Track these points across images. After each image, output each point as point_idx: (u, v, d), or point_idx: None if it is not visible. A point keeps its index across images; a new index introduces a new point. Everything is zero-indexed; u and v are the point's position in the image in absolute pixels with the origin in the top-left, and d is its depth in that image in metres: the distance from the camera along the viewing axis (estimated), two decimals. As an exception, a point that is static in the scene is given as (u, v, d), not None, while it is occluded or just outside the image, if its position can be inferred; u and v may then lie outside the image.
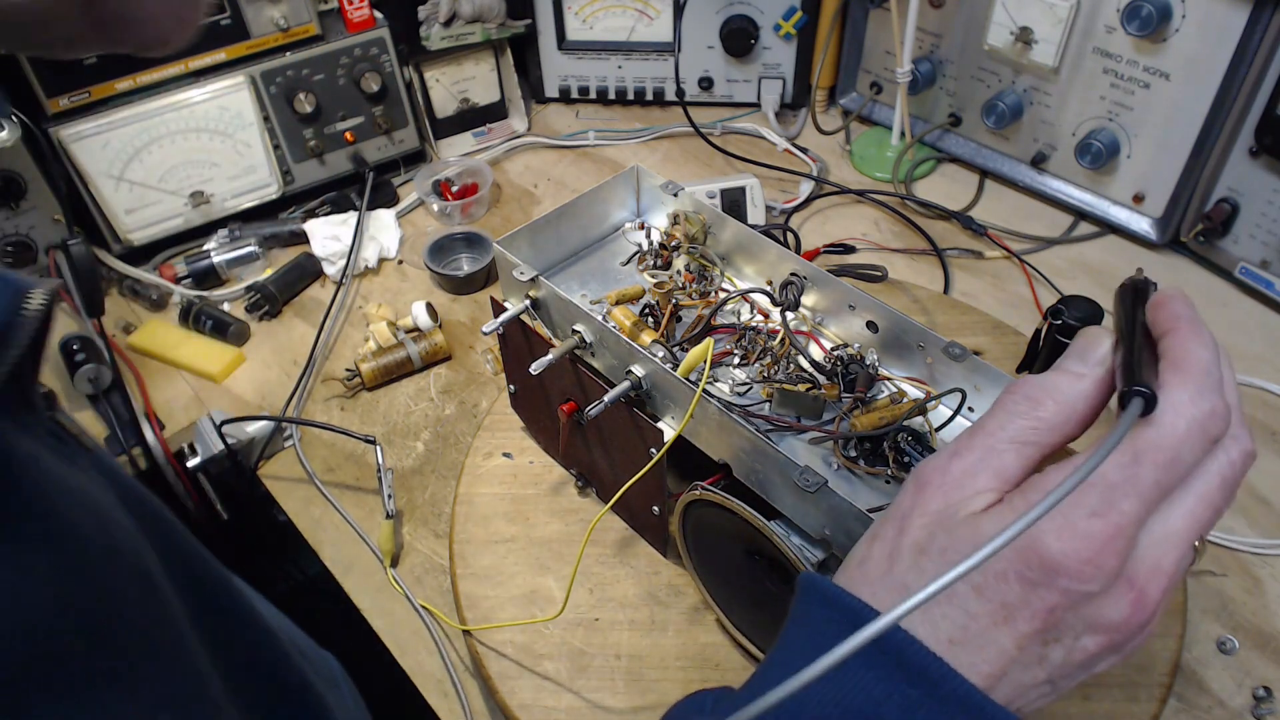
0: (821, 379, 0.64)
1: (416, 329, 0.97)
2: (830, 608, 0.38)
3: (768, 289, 0.71)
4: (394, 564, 0.79)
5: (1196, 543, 0.36)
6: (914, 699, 0.34)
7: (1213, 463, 0.36)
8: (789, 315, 0.68)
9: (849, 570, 0.41)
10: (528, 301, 0.69)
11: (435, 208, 1.13)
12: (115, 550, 0.31)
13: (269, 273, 1.05)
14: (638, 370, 0.63)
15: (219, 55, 1.02)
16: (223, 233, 1.08)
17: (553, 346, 0.67)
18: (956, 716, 0.34)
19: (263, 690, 0.38)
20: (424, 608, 0.76)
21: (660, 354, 0.63)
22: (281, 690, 0.40)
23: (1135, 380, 0.34)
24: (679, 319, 0.70)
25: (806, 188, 1.13)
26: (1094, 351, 0.38)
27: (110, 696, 0.28)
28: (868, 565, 0.39)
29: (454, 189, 1.13)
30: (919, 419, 0.60)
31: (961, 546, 0.36)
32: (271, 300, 1.02)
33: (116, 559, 0.31)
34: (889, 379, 0.65)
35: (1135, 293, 0.40)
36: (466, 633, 0.72)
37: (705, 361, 0.60)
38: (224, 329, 0.99)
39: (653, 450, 0.64)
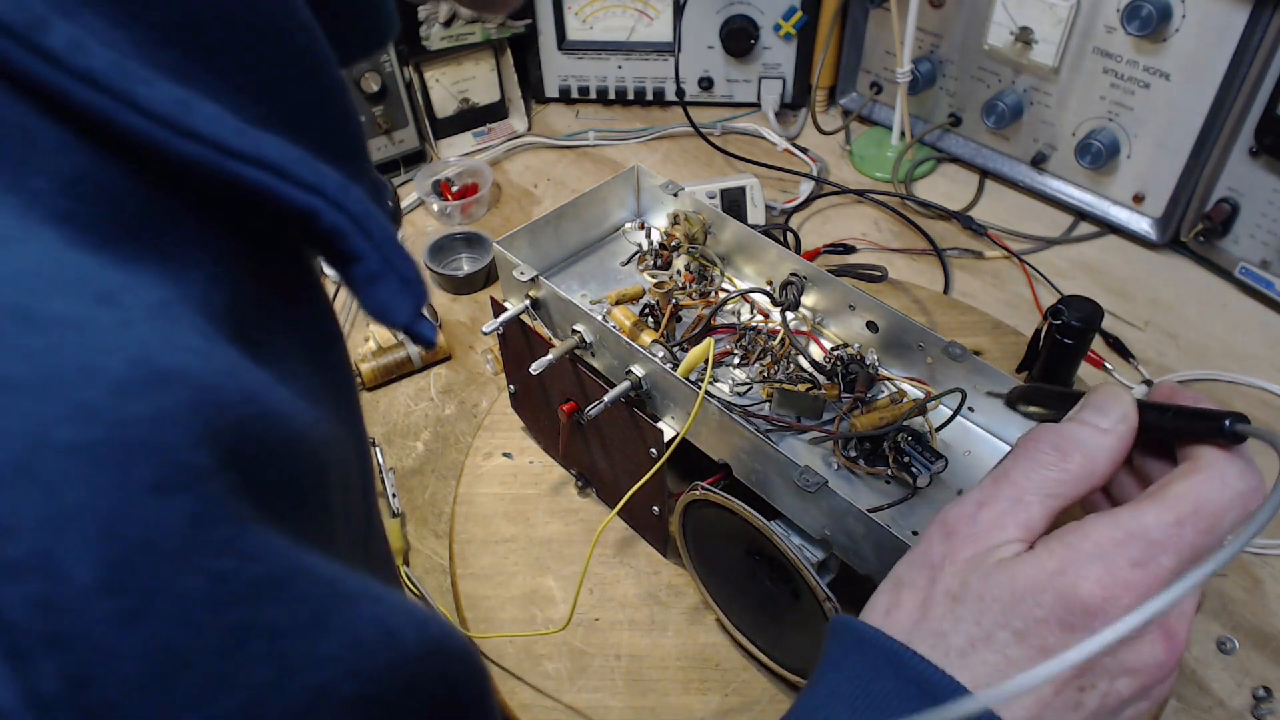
0: (821, 379, 0.64)
1: (416, 329, 0.97)
2: (870, 657, 0.38)
3: (768, 289, 0.71)
4: (405, 562, 0.79)
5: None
6: None
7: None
8: (789, 315, 0.68)
9: (875, 616, 0.40)
10: (528, 301, 0.69)
11: (435, 208, 1.13)
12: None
13: (269, 273, 1.05)
14: (638, 370, 0.63)
15: (219, 55, 1.02)
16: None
17: (553, 346, 0.67)
18: None
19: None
20: (438, 611, 0.76)
21: (660, 354, 0.63)
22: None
23: (1228, 415, 0.37)
24: (679, 319, 0.70)
25: (806, 188, 1.13)
26: (1116, 407, 0.39)
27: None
28: (898, 613, 0.39)
29: (454, 189, 1.13)
30: (919, 419, 0.60)
31: (1002, 596, 0.36)
32: (271, 300, 1.02)
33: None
34: (889, 379, 0.65)
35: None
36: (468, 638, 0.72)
37: (706, 362, 0.60)
38: (224, 329, 0.99)
39: (653, 451, 0.64)
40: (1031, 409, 0.52)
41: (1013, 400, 0.54)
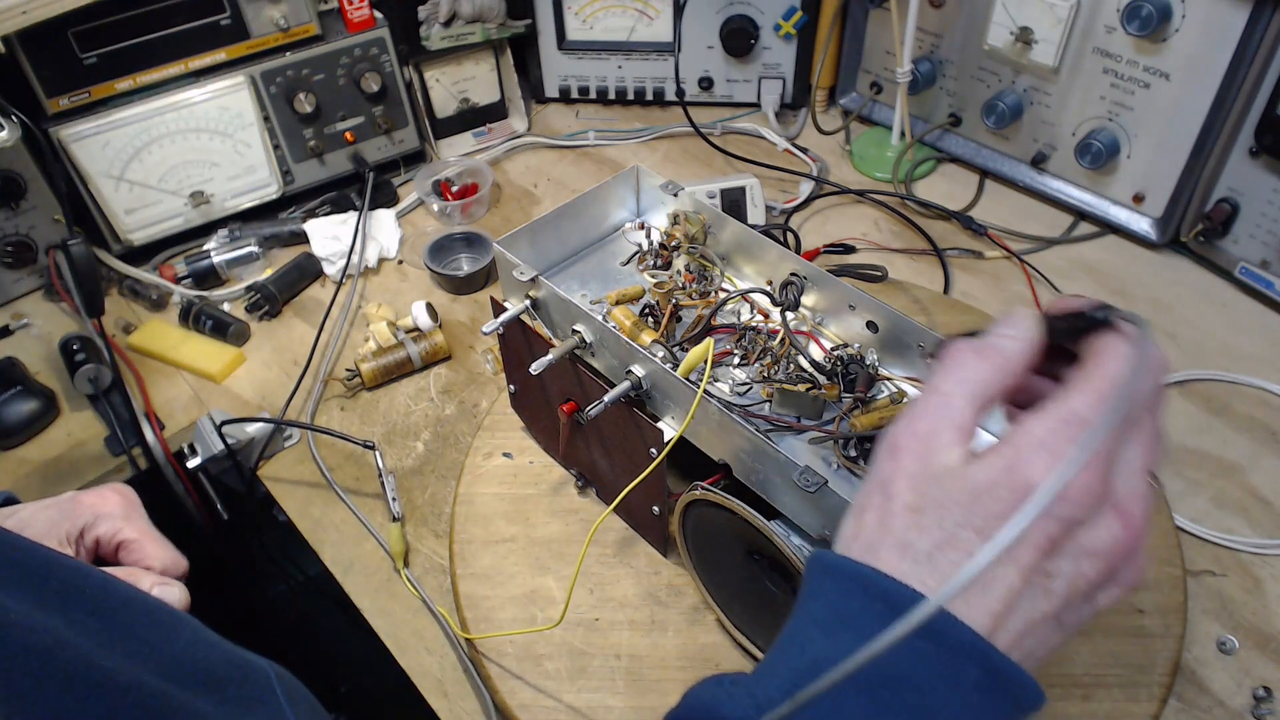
0: (821, 379, 0.64)
1: (416, 329, 0.97)
2: (841, 580, 0.40)
3: (768, 289, 0.71)
4: (405, 564, 0.79)
5: (1158, 484, 0.40)
6: (923, 651, 0.37)
7: (1155, 403, 0.41)
8: (789, 315, 0.68)
9: (841, 544, 0.43)
10: (528, 301, 0.69)
11: (435, 208, 1.13)
12: None
13: (269, 273, 1.05)
14: (638, 370, 0.63)
15: (219, 55, 1.02)
16: (223, 233, 1.08)
17: (553, 346, 0.67)
18: (966, 666, 0.37)
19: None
20: (439, 612, 0.76)
21: (660, 354, 0.63)
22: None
23: (1097, 308, 0.41)
24: (679, 319, 0.70)
25: (806, 188, 1.13)
26: (1023, 320, 0.43)
27: None
28: (861, 534, 0.41)
29: (454, 189, 1.13)
30: (919, 419, 0.60)
31: (960, 498, 0.38)
32: (271, 300, 1.02)
33: None
34: (889, 379, 0.65)
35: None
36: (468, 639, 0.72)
37: (706, 362, 0.60)
38: (224, 329, 0.99)
39: (653, 450, 0.64)
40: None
41: (934, 353, 0.56)
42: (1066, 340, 0.42)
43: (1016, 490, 0.37)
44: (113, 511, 0.56)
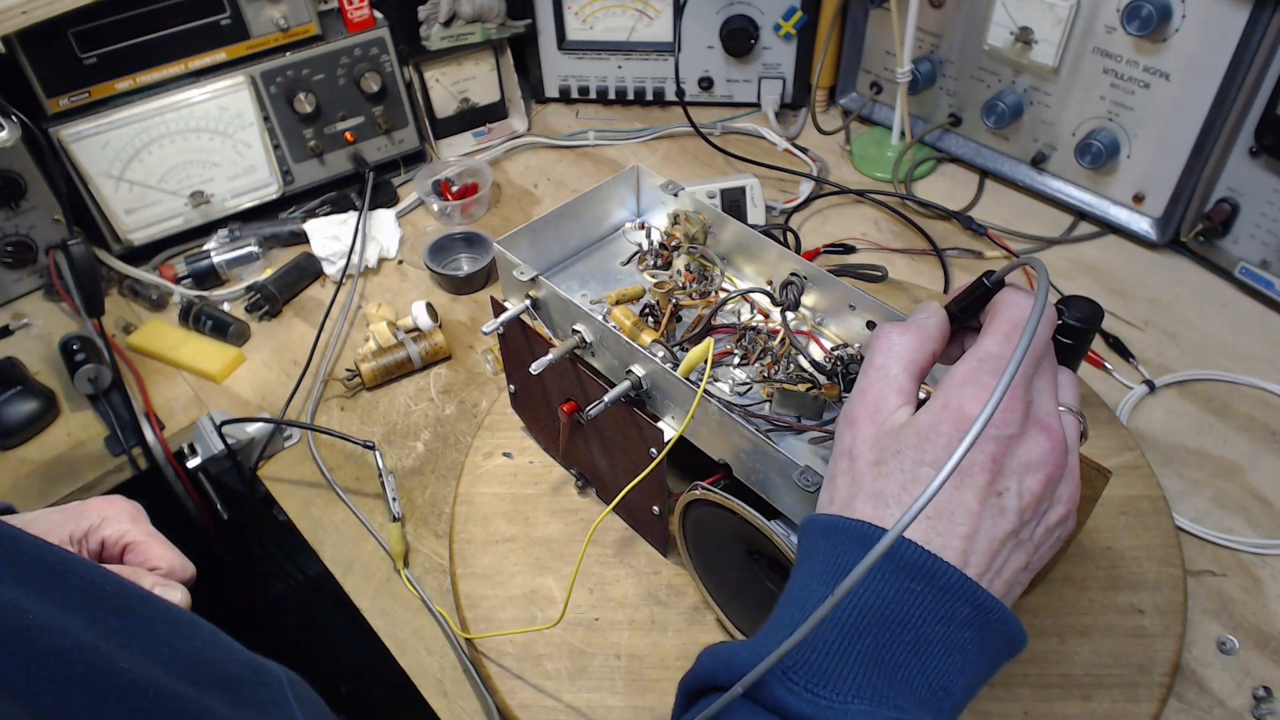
0: (822, 379, 0.64)
1: (416, 329, 0.97)
2: (829, 536, 0.45)
3: (768, 289, 0.71)
4: (405, 564, 0.79)
5: (1080, 417, 0.48)
6: (919, 592, 0.41)
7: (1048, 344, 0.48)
8: (789, 315, 0.68)
9: (822, 507, 0.48)
10: (528, 301, 0.69)
11: (435, 208, 1.13)
12: None
13: (269, 273, 1.05)
14: (638, 370, 0.63)
15: (219, 55, 1.02)
16: (223, 233, 1.08)
17: (553, 346, 0.67)
18: (956, 604, 0.41)
19: None
20: (439, 612, 0.76)
21: (660, 354, 0.63)
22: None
23: (987, 274, 0.49)
24: (679, 319, 0.70)
25: (806, 188, 1.13)
26: (930, 304, 0.51)
27: None
28: (837, 495, 0.47)
29: (454, 189, 1.13)
30: (919, 419, 0.60)
31: (913, 442, 0.44)
32: (271, 300, 1.02)
33: None
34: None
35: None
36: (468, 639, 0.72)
37: (706, 361, 0.60)
38: (224, 329, 0.99)
39: (653, 450, 0.64)
40: None
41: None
42: (975, 311, 0.50)
43: (955, 422, 0.44)
44: (120, 514, 0.57)
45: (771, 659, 0.39)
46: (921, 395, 0.48)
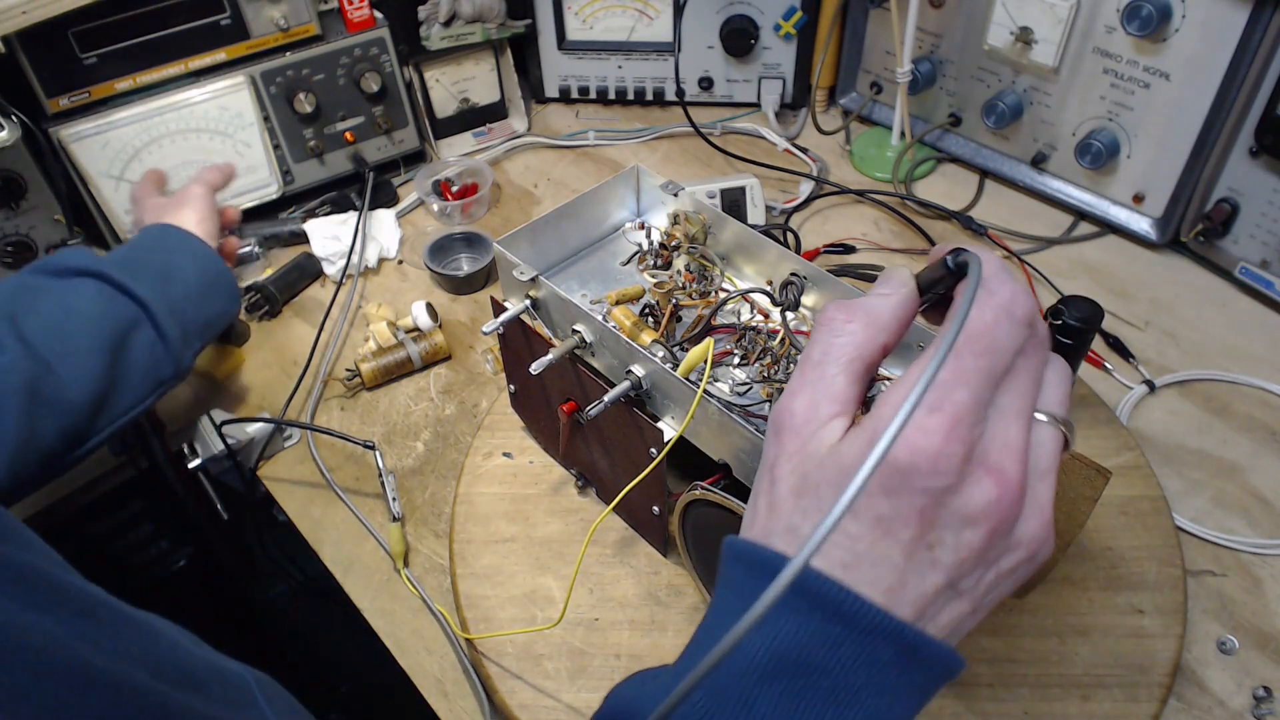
0: (821, 379, 0.64)
1: (416, 329, 0.97)
2: (741, 563, 0.40)
3: (768, 289, 0.71)
4: (405, 564, 0.79)
5: (1064, 426, 0.39)
6: (836, 635, 0.36)
7: (1029, 342, 0.38)
8: (789, 315, 0.68)
9: (744, 530, 0.42)
10: (528, 301, 0.69)
11: (435, 208, 1.13)
12: None
13: (269, 273, 1.05)
14: (638, 370, 0.63)
15: (219, 55, 1.02)
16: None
17: (553, 346, 0.67)
18: (879, 646, 0.36)
19: None
20: (439, 612, 0.76)
21: (660, 354, 0.63)
22: None
23: (952, 251, 0.40)
24: (679, 319, 0.70)
25: (806, 188, 1.13)
26: (896, 275, 0.42)
27: None
28: (755, 520, 0.41)
29: (454, 189, 1.13)
30: (919, 419, 0.60)
31: (832, 478, 0.38)
32: (271, 300, 1.02)
33: None
34: (889, 379, 0.65)
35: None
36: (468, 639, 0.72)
37: (706, 362, 0.60)
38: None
39: (653, 450, 0.64)
40: None
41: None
42: (945, 292, 0.41)
43: (880, 468, 0.36)
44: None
45: (662, 709, 0.33)
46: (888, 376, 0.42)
